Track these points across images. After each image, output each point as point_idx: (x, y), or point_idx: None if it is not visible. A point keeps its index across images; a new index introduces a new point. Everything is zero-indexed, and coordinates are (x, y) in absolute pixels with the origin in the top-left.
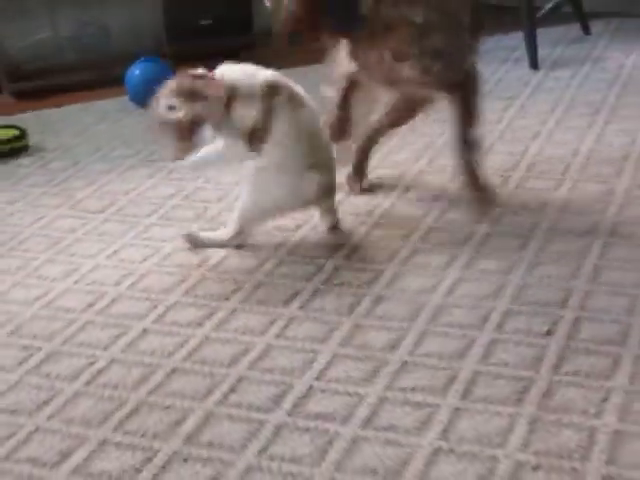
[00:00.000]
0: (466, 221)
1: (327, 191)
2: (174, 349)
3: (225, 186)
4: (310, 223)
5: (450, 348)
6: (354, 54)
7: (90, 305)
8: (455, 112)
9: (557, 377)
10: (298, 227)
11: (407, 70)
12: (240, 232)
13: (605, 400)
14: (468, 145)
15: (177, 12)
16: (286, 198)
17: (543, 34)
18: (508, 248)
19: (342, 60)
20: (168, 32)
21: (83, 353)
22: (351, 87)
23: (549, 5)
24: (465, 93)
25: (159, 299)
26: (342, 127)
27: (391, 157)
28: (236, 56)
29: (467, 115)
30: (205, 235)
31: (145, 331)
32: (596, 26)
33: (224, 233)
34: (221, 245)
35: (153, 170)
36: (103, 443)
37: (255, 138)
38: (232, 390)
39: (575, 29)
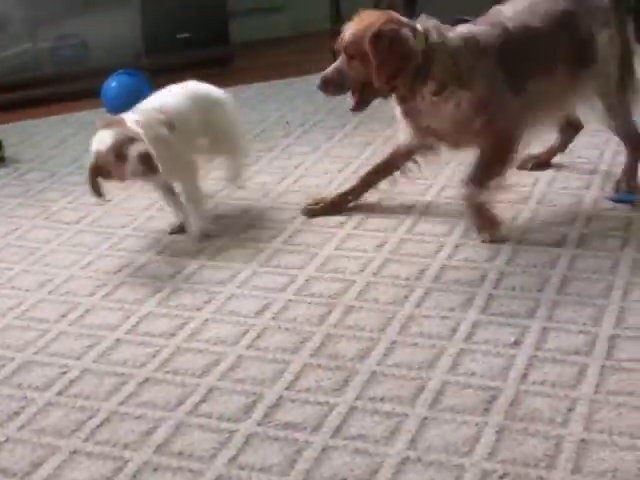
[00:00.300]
0: (437, 233)
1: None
2: (146, 359)
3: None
4: (283, 236)
5: (419, 358)
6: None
7: (64, 315)
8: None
9: (524, 386)
10: (271, 239)
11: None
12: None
13: (571, 409)
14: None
15: (155, 25)
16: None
17: None
18: (477, 260)
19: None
20: (146, 45)
21: (56, 363)
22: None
23: None
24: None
25: (132, 310)
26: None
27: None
28: (213, 68)
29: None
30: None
31: (118, 341)
32: None
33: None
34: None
35: (128, 182)
36: (74, 453)
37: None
38: (203, 400)
39: None
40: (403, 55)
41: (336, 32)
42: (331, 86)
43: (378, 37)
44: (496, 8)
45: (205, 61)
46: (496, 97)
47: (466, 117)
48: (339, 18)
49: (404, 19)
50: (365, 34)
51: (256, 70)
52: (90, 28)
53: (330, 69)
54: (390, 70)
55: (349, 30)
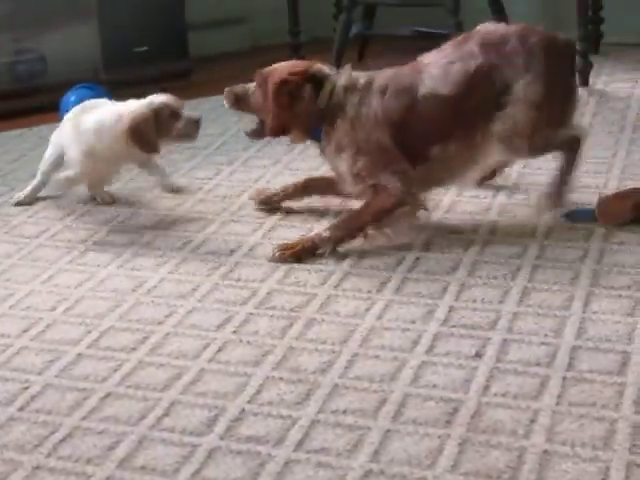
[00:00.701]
0: (398, 245)
1: None
2: (108, 374)
3: (160, 211)
4: (244, 249)
5: (381, 371)
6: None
7: (25, 330)
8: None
9: (486, 398)
10: (232, 251)
11: None
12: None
13: (533, 421)
14: None
15: (113, 39)
16: None
17: None
18: (438, 272)
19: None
20: (104, 59)
21: (17, 378)
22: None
23: None
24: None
25: (94, 324)
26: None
27: None
28: (172, 81)
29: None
30: None
31: (79, 356)
32: None
33: None
34: None
35: (88, 197)
36: (37, 468)
37: None
38: (165, 414)
39: None
40: (296, 112)
41: (295, 45)
42: (236, 101)
43: (280, 85)
44: (418, 63)
45: (164, 75)
46: (382, 171)
47: (349, 182)
48: (298, 31)
49: (323, 71)
50: (274, 75)
51: (215, 83)
52: (48, 42)
53: (241, 87)
54: (281, 120)
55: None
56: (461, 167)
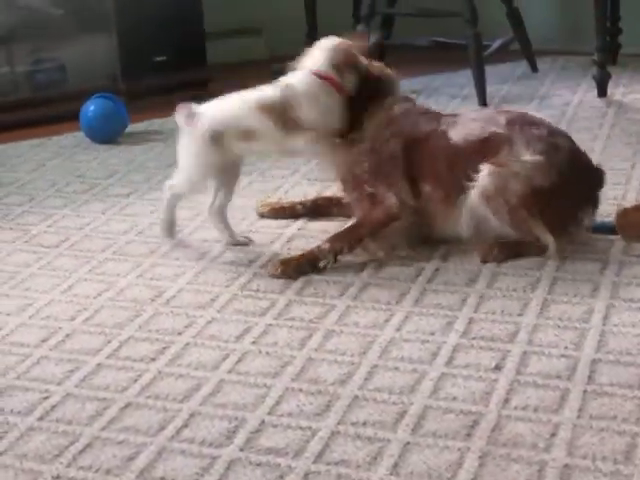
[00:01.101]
0: (417, 256)
1: None
2: (128, 384)
3: (179, 221)
4: (262, 259)
5: (400, 382)
6: None
7: (44, 340)
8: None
9: (506, 411)
10: (251, 262)
11: None
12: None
13: (554, 434)
14: None
15: (131, 49)
16: None
17: (491, 71)
18: (457, 283)
19: None
20: (123, 69)
21: (37, 388)
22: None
23: (497, 43)
24: None
25: (113, 334)
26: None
27: None
28: (190, 90)
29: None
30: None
31: (99, 366)
32: (543, 63)
33: None
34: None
35: (107, 205)
36: (57, 478)
37: None
38: (185, 425)
39: (523, 66)
40: None
41: None
42: None
43: None
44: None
45: (182, 84)
46: (382, 183)
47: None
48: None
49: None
50: None
51: (232, 92)
52: (67, 52)
53: None
54: None
55: None
56: (440, 213)
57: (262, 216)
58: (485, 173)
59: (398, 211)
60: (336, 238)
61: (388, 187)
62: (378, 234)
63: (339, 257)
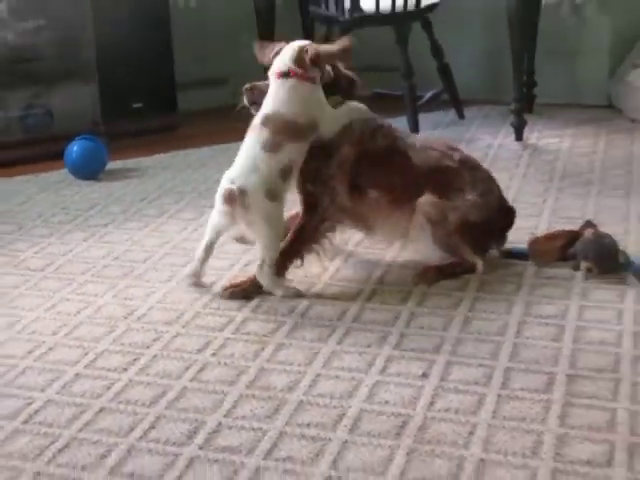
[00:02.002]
0: (356, 279)
1: None
2: (102, 391)
3: (150, 248)
4: (223, 281)
5: (340, 389)
6: None
7: (29, 352)
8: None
9: (431, 413)
10: (212, 284)
11: None
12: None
13: (471, 433)
14: None
15: (111, 96)
16: None
17: (424, 118)
18: (392, 302)
19: None
20: (103, 114)
21: (22, 395)
22: None
23: (429, 94)
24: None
25: (90, 347)
26: None
27: None
28: (162, 134)
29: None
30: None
31: (77, 375)
32: (469, 111)
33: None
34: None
35: (88, 234)
36: (38, 475)
37: None
38: (152, 427)
39: (451, 114)
40: None
41: None
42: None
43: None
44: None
45: (155, 127)
46: (324, 184)
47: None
48: None
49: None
50: None
51: (199, 136)
52: (54, 99)
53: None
54: None
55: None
56: (382, 222)
57: (235, 240)
58: (431, 201)
59: (327, 215)
60: (279, 257)
61: (325, 189)
62: (315, 238)
63: (286, 274)
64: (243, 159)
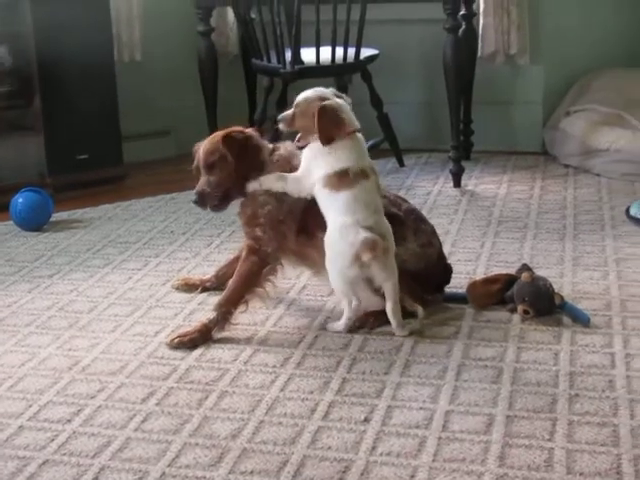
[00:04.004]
0: (298, 326)
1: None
2: (46, 443)
3: (95, 298)
4: (167, 331)
5: (283, 435)
6: None
7: None
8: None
9: (373, 458)
10: (157, 333)
11: None
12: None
13: (413, 476)
14: None
15: (57, 148)
16: None
17: None
18: (333, 348)
19: None
20: (49, 166)
21: None
22: None
23: (370, 143)
24: None
25: (34, 399)
26: None
27: None
28: (108, 185)
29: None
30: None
31: (21, 428)
32: (409, 159)
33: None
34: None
35: (33, 285)
36: None
37: None
38: (96, 478)
39: (392, 162)
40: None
41: None
42: (206, 199)
43: (230, 137)
44: None
45: (101, 179)
46: (271, 227)
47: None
48: None
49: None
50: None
51: (145, 186)
52: (0, 151)
53: (200, 185)
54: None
55: (201, 149)
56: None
57: (177, 289)
58: None
59: (268, 260)
60: (221, 305)
61: (274, 234)
62: (258, 282)
63: (231, 320)
64: (371, 206)
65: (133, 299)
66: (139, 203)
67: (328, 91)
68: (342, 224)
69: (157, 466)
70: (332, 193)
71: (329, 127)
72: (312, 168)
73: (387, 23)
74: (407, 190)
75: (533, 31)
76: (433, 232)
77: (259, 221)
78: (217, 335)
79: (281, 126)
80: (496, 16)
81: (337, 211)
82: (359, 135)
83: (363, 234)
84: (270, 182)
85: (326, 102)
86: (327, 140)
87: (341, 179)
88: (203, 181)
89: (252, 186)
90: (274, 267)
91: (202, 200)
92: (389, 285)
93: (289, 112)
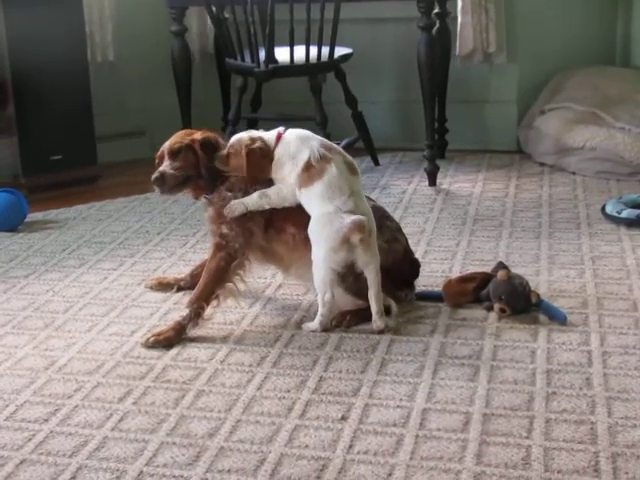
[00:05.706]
0: (274, 325)
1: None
2: (23, 443)
3: (70, 299)
4: (143, 330)
5: (260, 434)
6: None
7: None
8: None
9: (350, 456)
10: (133, 332)
11: None
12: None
13: (390, 474)
14: None
15: (31, 149)
16: None
17: None
18: (310, 347)
19: None
20: (23, 167)
21: None
22: None
23: (345, 142)
24: None
25: (11, 399)
26: None
27: None
28: (82, 185)
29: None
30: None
31: None
32: (384, 158)
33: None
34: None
35: (8, 286)
36: None
37: None
38: (73, 477)
39: (367, 161)
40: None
41: None
42: (167, 179)
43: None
44: None
45: (75, 179)
46: (239, 224)
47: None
48: None
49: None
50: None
51: (119, 187)
52: None
53: (163, 166)
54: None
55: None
56: (297, 261)
57: (151, 289)
58: None
59: (236, 255)
60: (192, 302)
61: (241, 231)
62: (227, 277)
63: (204, 316)
64: (345, 189)
65: (109, 299)
66: (113, 203)
67: (260, 133)
68: (324, 213)
69: (134, 465)
70: (308, 190)
71: (255, 168)
72: (284, 175)
73: (361, 22)
74: (382, 189)
75: (509, 29)
76: (398, 229)
77: (225, 219)
78: (191, 332)
79: (216, 164)
80: (474, 14)
81: (317, 205)
82: (286, 132)
83: (348, 218)
84: (254, 202)
85: (254, 145)
86: (252, 180)
87: (309, 173)
88: (166, 164)
89: (237, 209)
90: (242, 262)
91: (162, 179)
92: (372, 269)
93: (224, 152)
